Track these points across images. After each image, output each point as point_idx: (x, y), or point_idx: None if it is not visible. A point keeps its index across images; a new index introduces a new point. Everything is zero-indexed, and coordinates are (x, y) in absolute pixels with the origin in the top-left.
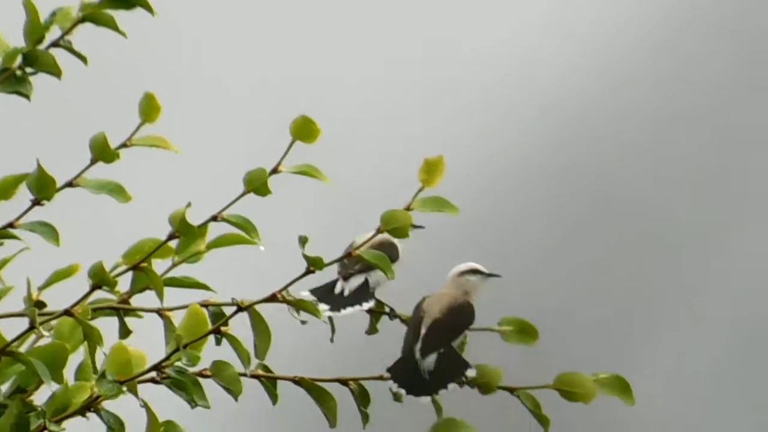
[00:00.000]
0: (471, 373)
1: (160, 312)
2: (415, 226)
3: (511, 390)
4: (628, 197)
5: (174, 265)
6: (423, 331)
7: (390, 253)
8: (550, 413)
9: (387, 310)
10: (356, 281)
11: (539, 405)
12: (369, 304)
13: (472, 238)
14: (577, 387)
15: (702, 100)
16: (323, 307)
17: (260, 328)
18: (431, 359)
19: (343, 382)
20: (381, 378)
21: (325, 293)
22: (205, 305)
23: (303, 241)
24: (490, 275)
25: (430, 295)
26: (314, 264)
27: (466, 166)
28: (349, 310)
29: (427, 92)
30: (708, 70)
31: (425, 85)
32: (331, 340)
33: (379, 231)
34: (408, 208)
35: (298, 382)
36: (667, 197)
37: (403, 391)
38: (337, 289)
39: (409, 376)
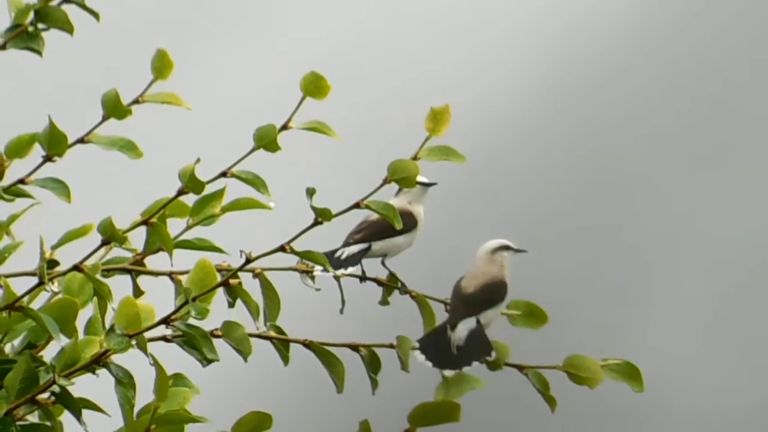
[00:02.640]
0: (492, 356)
1: (171, 275)
2: (428, 184)
3: (519, 368)
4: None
5: (188, 227)
6: (455, 304)
7: (407, 222)
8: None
9: (399, 285)
10: (357, 248)
11: (548, 384)
12: (353, 269)
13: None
14: (585, 371)
15: (705, 55)
16: (319, 267)
17: (270, 294)
18: (462, 335)
19: (354, 348)
20: (392, 346)
21: (327, 258)
22: (219, 270)
23: (311, 192)
24: (518, 251)
25: (466, 274)
26: (322, 215)
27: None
28: (339, 271)
29: (435, 44)
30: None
31: (434, 37)
32: (341, 311)
33: (386, 181)
34: (415, 158)
35: (307, 345)
36: (669, 157)
37: (429, 363)
38: (337, 254)
39: (437, 350)
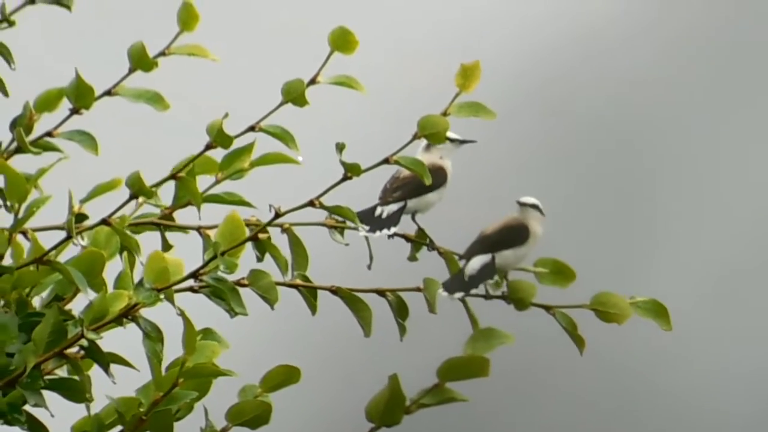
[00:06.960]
0: (494, 279)
1: (199, 230)
2: (463, 141)
3: (546, 308)
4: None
5: (217, 182)
6: (472, 243)
7: (438, 177)
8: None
9: (427, 241)
10: (395, 206)
11: (575, 324)
12: (395, 229)
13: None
14: (613, 308)
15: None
16: (364, 227)
17: (298, 249)
18: (475, 266)
19: (381, 293)
20: (418, 290)
21: (366, 216)
22: (247, 224)
23: (340, 147)
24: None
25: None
26: (351, 170)
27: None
28: (384, 232)
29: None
30: None
31: None
32: (369, 267)
33: (415, 136)
34: (444, 114)
35: (335, 291)
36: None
37: (445, 294)
38: (377, 213)
39: (454, 281)
